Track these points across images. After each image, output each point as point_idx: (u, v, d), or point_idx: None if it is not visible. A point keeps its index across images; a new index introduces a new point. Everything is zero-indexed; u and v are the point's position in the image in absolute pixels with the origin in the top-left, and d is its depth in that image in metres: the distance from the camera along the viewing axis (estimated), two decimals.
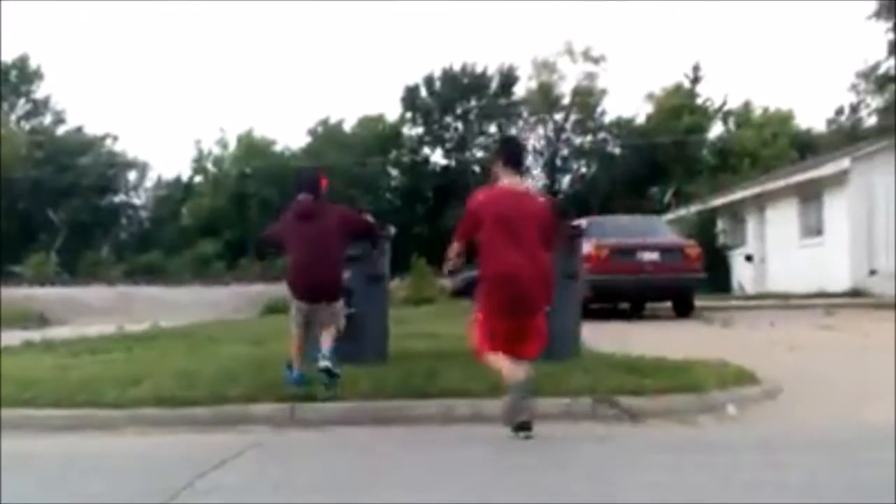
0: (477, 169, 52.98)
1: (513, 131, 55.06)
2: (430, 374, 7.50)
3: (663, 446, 5.95)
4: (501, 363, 6.10)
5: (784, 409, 7.13)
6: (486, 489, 4.84)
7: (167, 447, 6.28)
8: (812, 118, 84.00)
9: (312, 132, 56.35)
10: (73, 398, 7.20)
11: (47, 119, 58.59)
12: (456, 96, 53.83)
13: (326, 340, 7.29)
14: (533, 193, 6.71)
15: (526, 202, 6.37)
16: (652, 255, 16.32)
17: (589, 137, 54.47)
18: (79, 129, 57.21)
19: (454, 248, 6.52)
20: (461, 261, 6.65)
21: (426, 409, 6.81)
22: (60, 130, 57.54)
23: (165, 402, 7.02)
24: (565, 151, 55.26)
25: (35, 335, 13.76)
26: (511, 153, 6.65)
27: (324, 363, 7.03)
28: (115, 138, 57.30)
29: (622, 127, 53.39)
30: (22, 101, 57.95)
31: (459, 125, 54.74)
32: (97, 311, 24.47)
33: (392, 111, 56.46)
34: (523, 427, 5.93)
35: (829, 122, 48.65)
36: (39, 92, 58.18)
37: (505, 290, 6.15)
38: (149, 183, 59.60)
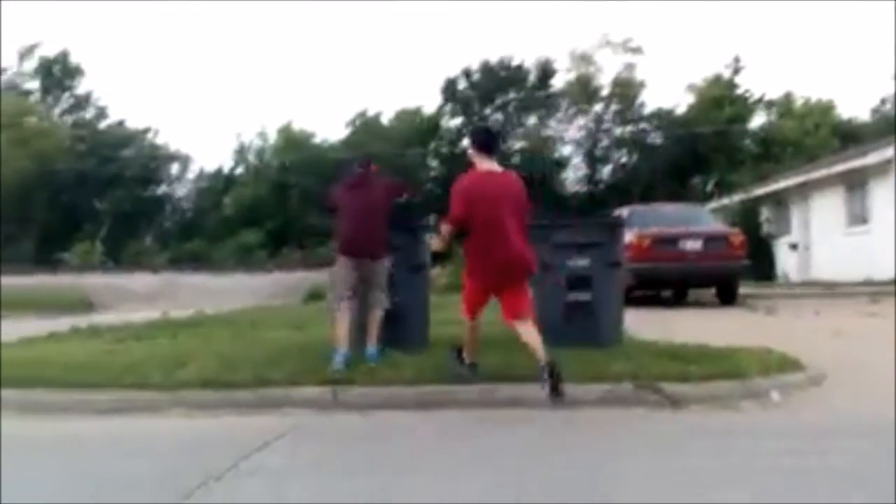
0: (516, 160, 52.93)
1: (551, 123, 55.00)
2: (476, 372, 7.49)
3: (706, 431, 5.93)
4: (467, 337, 7.17)
5: (828, 395, 7.07)
6: (526, 473, 4.85)
7: (211, 429, 6.34)
8: (855, 108, 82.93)
9: (351, 124, 56.54)
10: (119, 381, 7.28)
11: (90, 113, 59.21)
12: (494, 88, 53.73)
13: (373, 335, 7.89)
14: (507, 173, 7.25)
15: (504, 181, 7.08)
16: (695, 244, 16.23)
17: (629, 128, 54.14)
18: (121, 123, 57.83)
19: (446, 229, 7.06)
20: (448, 242, 7.21)
21: (468, 394, 6.82)
22: (103, 124, 58.14)
23: (209, 385, 7.09)
24: (605, 142, 54.98)
25: (82, 321, 13.94)
26: (482, 141, 7.26)
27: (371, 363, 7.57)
28: (157, 132, 57.96)
29: (662, 117, 53.03)
30: (66, 95, 58.62)
31: (499, 116, 54.63)
32: (142, 297, 24.75)
33: (429, 104, 56.55)
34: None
35: (873, 111, 48.11)
36: (81, 88, 58.85)
37: (495, 262, 6.85)
38: (191, 175, 60.16)
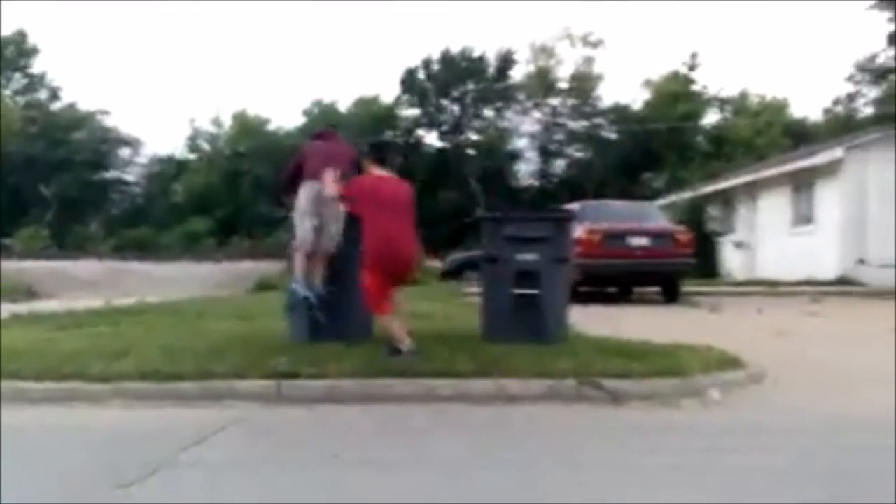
0: (472, 152, 52.98)
1: (508, 115, 55.10)
2: (417, 353, 7.50)
3: (646, 429, 5.96)
4: (394, 327, 7.61)
5: (768, 394, 7.14)
6: (466, 469, 4.85)
7: (151, 421, 6.27)
8: (808, 107, 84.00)
9: (307, 112, 56.24)
10: (59, 370, 7.18)
11: (42, 94, 58.35)
12: (453, 79, 53.71)
13: (319, 272, 8.52)
14: (397, 179, 8.11)
15: (394, 185, 7.97)
16: (642, 240, 16.35)
17: (584, 122, 54.40)
18: (72, 105, 57.03)
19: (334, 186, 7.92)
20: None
21: (411, 388, 6.81)
22: (55, 106, 57.32)
23: (151, 377, 7.00)
24: (561, 136, 55.20)
25: (23, 308, 13.75)
26: (378, 154, 8.23)
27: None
28: (108, 114, 57.22)
29: (618, 112, 53.35)
30: (18, 75, 57.69)
31: (455, 108, 54.63)
32: (86, 285, 24.46)
33: (387, 93, 56.40)
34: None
35: (826, 111, 48.79)
36: (35, 67, 57.98)
37: (392, 255, 7.62)
38: (142, 159, 59.51)
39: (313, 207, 8.38)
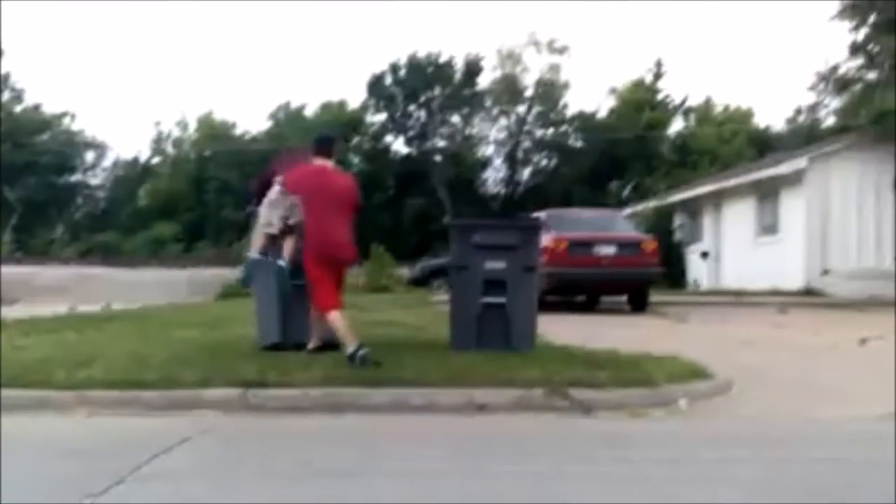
0: (438, 158, 52.95)
1: (475, 121, 55.13)
2: (386, 363, 7.49)
3: (614, 438, 5.99)
4: (345, 332, 7.68)
5: (735, 404, 7.21)
6: (435, 479, 4.84)
7: (117, 430, 6.21)
8: (771, 117, 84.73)
9: (274, 116, 56.00)
10: (24, 378, 7.11)
11: (5, 96, 57.66)
12: (420, 85, 53.66)
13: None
14: (343, 174, 8.56)
15: (334, 177, 8.23)
16: (609, 249, 16.41)
17: (551, 130, 54.55)
18: (36, 107, 56.41)
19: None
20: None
21: (380, 398, 6.80)
22: (18, 108, 56.66)
23: (116, 385, 6.95)
24: (527, 144, 55.32)
25: None
26: (321, 146, 8.40)
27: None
28: (73, 117, 56.61)
29: (584, 121, 53.54)
30: None
31: (422, 114, 54.59)
32: (50, 290, 24.19)
33: (353, 98, 56.29)
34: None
35: (789, 121, 49.20)
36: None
37: (328, 245, 7.86)
38: (106, 163, 58.98)
39: (281, 198, 8.47)
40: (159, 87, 79.62)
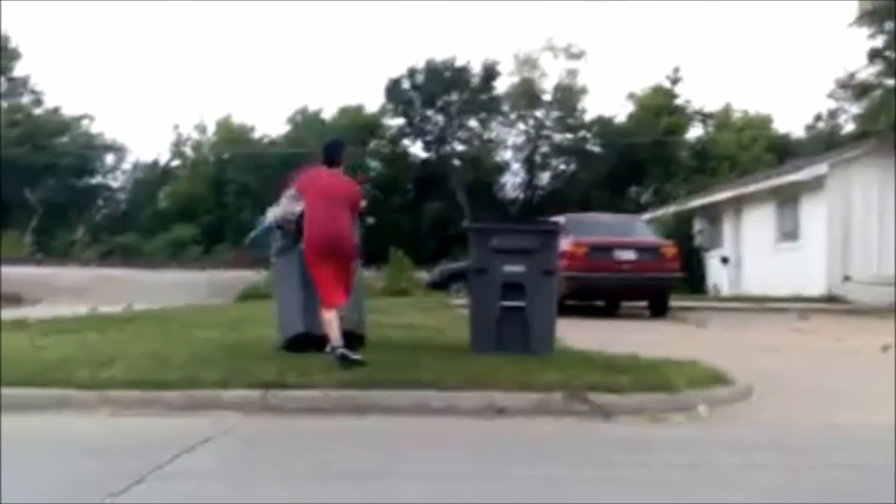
0: (457, 162, 52.97)
1: (493, 126, 55.14)
2: (406, 365, 7.50)
3: (634, 443, 5.98)
4: (333, 327, 7.75)
5: (755, 410, 7.18)
6: (455, 482, 4.84)
7: (138, 429, 6.24)
8: (791, 123, 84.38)
9: (292, 120, 56.15)
10: (46, 377, 7.14)
11: (25, 98, 58.01)
12: (438, 90, 53.70)
13: None
14: (342, 175, 8.54)
15: (336, 179, 8.40)
16: (629, 254, 16.37)
17: (569, 135, 54.52)
18: (56, 110, 56.75)
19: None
20: None
21: (400, 400, 6.80)
22: (38, 110, 57.00)
23: (137, 385, 6.97)
24: (545, 148, 55.29)
25: (8, 314, 13.65)
26: (330, 153, 8.69)
27: None
28: (93, 119, 56.95)
29: (602, 125, 53.48)
30: (1, 79, 57.34)
31: (440, 118, 54.63)
32: (71, 291, 24.29)
33: (371, 102, 56.39)
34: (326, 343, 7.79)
35: (808, 127, 49.04)
36: (18, 71, 57.60)
37: (325, 239, 8.00)
38: (126, 165, 59.30)
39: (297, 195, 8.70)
40: (178, 91, 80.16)
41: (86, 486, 4.65)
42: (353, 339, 8.08)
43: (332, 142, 9.32)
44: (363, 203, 8.70)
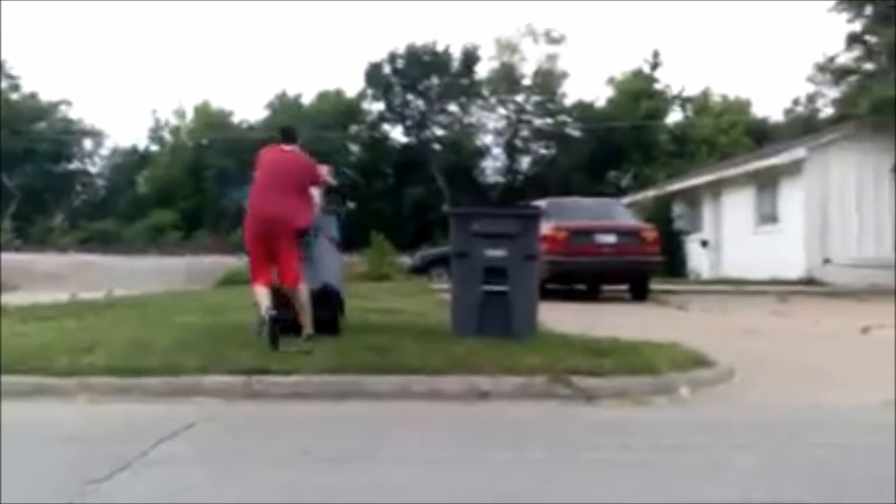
0: (437, 147, 52.91)
1: (473, 110, 55.08)
2: (388, 350, 7.49)
3: (616, 426, 5.99)
4: (262, 297, 7.90)
5: (737, 391, 7.21)
6: (437, 466, 4.84)
7: (119, 416, 6.20)
8: (769, 107, 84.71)
9: (271, 106, 55.94)
10: (25, 364, 7.08)
11: (2, 84, 57.54)
12: (418, 74, 53.59)
13: None
14: (298, 153, 8.57)
15: (287, 155, 8.46)
16: (609, 238, 16.40)
17: (549, 119, 54.54)
18: (33, 95, 56.32)
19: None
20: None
21: (382, 385, 6.79)
22: (15, 95, 56.55)
23: (118, 371, 6.92)
24: (526, 133, 55.30)
25: None
26: (285, 136, 8.74)
27: None
28: (70, 104, 56.60)
29: (582, 110, 53.53)
30: None
31: (421, 103, 54.53)
32: (50, 278, 24.16)
33: (350, 86, 56.24)
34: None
35: (787, 111, 49.18)
36: None
37: (262, 220, 8.10)
38: (104, 151, 58.97)
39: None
40: (157, 76, 79.64)
41: (68, 473, 4.61)
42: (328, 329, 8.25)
43: (285, 127, 9.45)
44: (327, 178, 8.74)
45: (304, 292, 8.14)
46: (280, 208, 8.05)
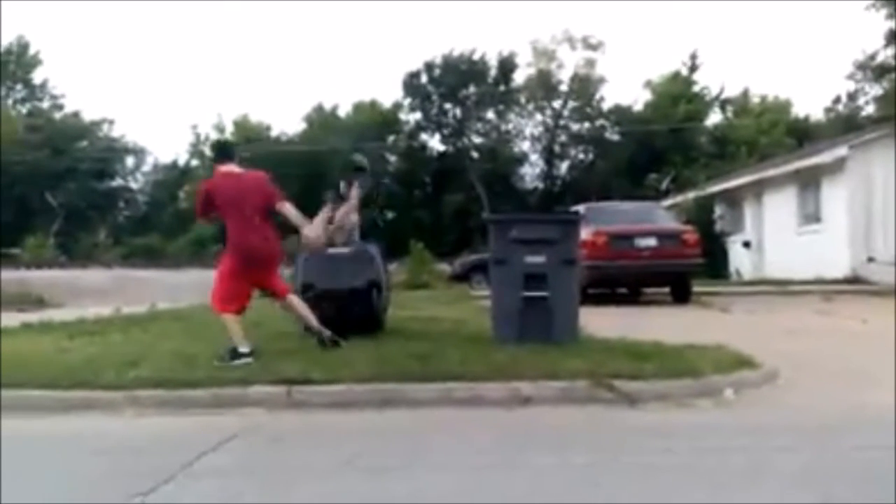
0: (475, 155, 52.92)
1: (511, 117, 55.06)
2: (430, 358, 7.50)
3: (661, 429, 5.95)
4: (232, 325, 8.00)
5: (781, 393, 7.14)
6: (481, 472, 4.84)
7: (165, 428, 6.26)
8: (810, 107, 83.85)
9: (308, 118, 56.24)
10: (72, 379, 7.17)
11: (45, 103, 58.43)
12: (455, 82, 53.64)
13: None
14: (249, 173, 8.41)
15: (243, 180, 8.21)
16: (650, 241, 16.31)
17: (587, 124, 54.39)
18: (76, 114, 57.09)
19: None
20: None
21: (424, 393, 6.80)
22: (58, 115, 57.37)
23: (163, 384, 6.99)
24: (563, 138, 55.18)
25: (33, 317, 13.73)
26: (221, 153, 8.61)
27: None
28: (112, 123, 57.33)
29: (620, 114, 53.33)
30: (19, 85, 57.77)
31: (458, 111, 54.57)
32: (94, 293, 24.39)
33: (385, 97, 56.46)
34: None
35: (827, 110, 48.71)
36: (37, 76, 58.05)
37: (241, 253, 8.07)
38: (146, 167, 59.64)
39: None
40: (196, 92, 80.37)
41: (115, 486, 4.67)
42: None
43: (219, 143, 9.54)
44: (284, 204, 8.26)
45: (295, 297, 8.44)
46: (264, 243, 8.10)
